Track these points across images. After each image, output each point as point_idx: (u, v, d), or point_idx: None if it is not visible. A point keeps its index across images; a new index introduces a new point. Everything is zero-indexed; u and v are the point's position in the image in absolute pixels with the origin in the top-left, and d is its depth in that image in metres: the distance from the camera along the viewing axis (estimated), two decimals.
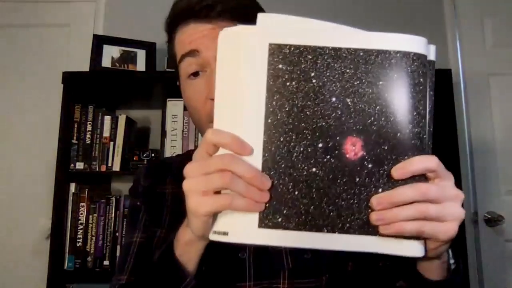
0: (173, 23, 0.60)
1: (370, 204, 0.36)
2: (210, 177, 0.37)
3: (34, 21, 1.92)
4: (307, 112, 0.36)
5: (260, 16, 0.38)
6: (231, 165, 0.36)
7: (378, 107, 0.36)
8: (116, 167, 1.55)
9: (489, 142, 1.79)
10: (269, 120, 0.37)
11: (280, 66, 0.37)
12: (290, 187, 0.36)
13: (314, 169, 0.36)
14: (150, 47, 1.70)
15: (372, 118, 0.36)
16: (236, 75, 0.37)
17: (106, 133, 1.57)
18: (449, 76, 1.53)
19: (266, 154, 0.37)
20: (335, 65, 0.36)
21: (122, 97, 1.73)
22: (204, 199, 0.37)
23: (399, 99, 0.36)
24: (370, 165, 0.36)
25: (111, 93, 1.66)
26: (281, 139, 0.37)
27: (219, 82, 0.38)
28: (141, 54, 1.69)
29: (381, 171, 0.36)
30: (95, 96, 1.62)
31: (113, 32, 1.76)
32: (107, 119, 1.58)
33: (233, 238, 0.38)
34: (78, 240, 1.49)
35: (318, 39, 0.37)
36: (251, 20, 0.56)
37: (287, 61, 0.37)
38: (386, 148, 0.36)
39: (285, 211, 0.36)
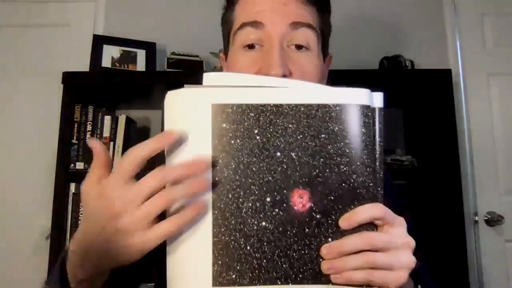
0: None
1: (321, 253, 0.37)
2: (147, 204, 0.35)
3: (34, 21, 1.91)
4: (253, 168, 0.37)
5: (205, 76, 0.39)
6: (165, 176, 0.36)
7: (322, 159, 0.37)
8: None
9: (489, 142, 1.79)
10: (217, 178, 0.37)
11: (224, 125, 0.38)
12: (241, 242, 0.37)
13: (264, 223, 0.37)
14: (150, 47, 1.70)
15: (317, 170, 0.37)
16: (183, 137, 0.38)
17: (106, 133, 1.56)
18: (449, 76, 1.53)
19: (216, 212, 0.37)
20: (278, 121, 0.38)
21: (122, 97, 1.72)
22: (149, 234, 0.35)
23: (341, 150, 0.38)
24: (318, 216, 0.37)
25: (111, 93, 1.65)
26: (230, 196, 0.37)
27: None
28: (141, 54, 1.68)
29: (329, 221, 0.37)
30: (95, 96, 1.61)
31: (113, 32, 1.76)
32: (107, 119, 1.57)
33: None
34: None
35: (259, 97, 0.38)
36: (319, 5, 0.56)
37: (231, 120, 0.38)
38: (332, 198, 0.37)
39: (238, 267, 0.37)
